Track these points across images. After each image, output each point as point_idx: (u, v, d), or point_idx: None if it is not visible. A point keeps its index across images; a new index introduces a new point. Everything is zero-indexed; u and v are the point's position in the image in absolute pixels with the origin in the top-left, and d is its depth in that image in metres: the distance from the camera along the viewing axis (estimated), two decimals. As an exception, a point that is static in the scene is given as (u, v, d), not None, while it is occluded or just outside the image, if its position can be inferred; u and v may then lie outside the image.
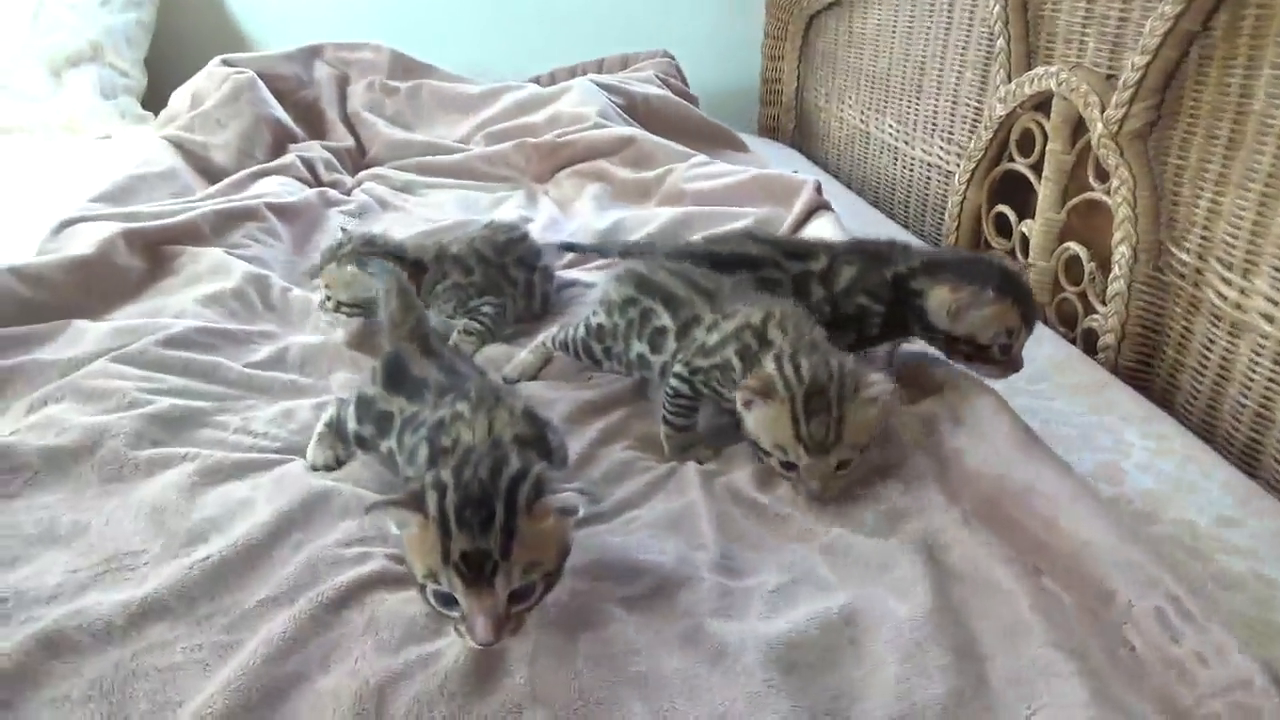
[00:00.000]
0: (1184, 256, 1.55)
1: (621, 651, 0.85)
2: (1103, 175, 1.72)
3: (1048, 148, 1.88)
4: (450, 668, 0.81)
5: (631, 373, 1.34)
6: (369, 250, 1.49)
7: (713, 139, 2.67)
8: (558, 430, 1.07)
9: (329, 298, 1.51)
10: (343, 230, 1.59)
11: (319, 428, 1.22)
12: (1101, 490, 1.17)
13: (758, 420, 1.09)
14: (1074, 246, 1.83)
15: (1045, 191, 1.90)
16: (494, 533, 0.78)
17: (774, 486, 1.12)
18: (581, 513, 0.85)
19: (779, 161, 2.67)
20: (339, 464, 1.18)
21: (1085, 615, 0.89)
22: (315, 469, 1.17)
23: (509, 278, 1.60)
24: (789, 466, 1.09)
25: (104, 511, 1.05)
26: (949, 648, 0.85)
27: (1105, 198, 1.71)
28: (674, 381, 1.20)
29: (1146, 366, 1.68)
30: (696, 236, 1.65)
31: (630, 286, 1.30)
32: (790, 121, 3.31)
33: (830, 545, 1.00)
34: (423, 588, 0.82)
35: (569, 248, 1.75)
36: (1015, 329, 1.24)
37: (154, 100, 2.85)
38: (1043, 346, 1.65)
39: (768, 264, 1.37)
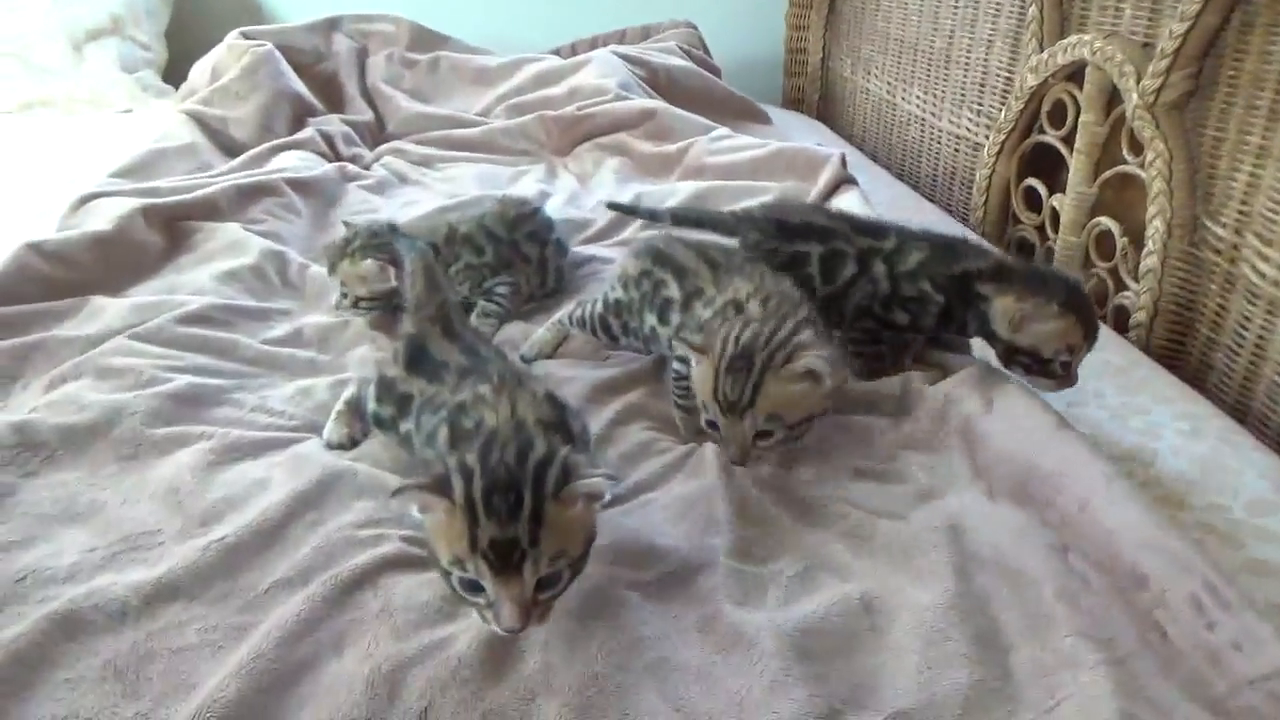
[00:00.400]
0: (1220, 232, 1.50)
1: (636, 638, 0.83)
2: (1137, 148, 1.66)
3: (1080, 119, 1.82)
4: (464, 653, 0.80)
5: (648, 348, 1.32)
6: (377, 242, 1.46)
7: (736, 111, 2.63)
8: (579, 414, 1.05)
9: (345, 294, 1.47)
10: (345, 224, 1.56)
11: (339, 405, 1.21)
12: (1134, 473, 1.15)
13: (695, 376, 1.09)
14: (1105, 221, 1.78)
15: (1077, 165, 1.85)
16: (522, 520, 0.77)
17: (796, 469, 1.10)
18: (608, 497, 0.83)
19: (803, 134, 2.63)
20: (355, 443, 1.18)
21: (1115, 599, 0.86)
22: (331, 447, 1.16)
23: (521, 254, 1.58)
24: (713, 425, 1.09)
25: (121, 490, 1.05)
26: (971, 636, 0.83)
27: (1139, 171, 1.66)
28: (675, 363, 1.19)
29: (1179, 345, 1.63)
30: (756, 202, 1.62)
31: (647, 259, 1.29)
32: (815, 93, 3.25)
33: (852, 530, 0.98)
34: (447, 574, 0.80)
35: (617, 208, 1.73)
36: (1077, 345, 1.21)
37: (175, 73, 2.84)
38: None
39: (838, 236, 1.35)
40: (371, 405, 1.13)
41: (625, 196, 2.01)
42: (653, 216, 1.61)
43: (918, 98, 2.54)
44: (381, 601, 0.88)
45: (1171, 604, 0.82)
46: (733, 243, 1.39)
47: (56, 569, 0.92)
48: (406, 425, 1.07)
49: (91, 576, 0.92)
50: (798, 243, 1.35)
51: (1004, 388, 1.16)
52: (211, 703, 0.76)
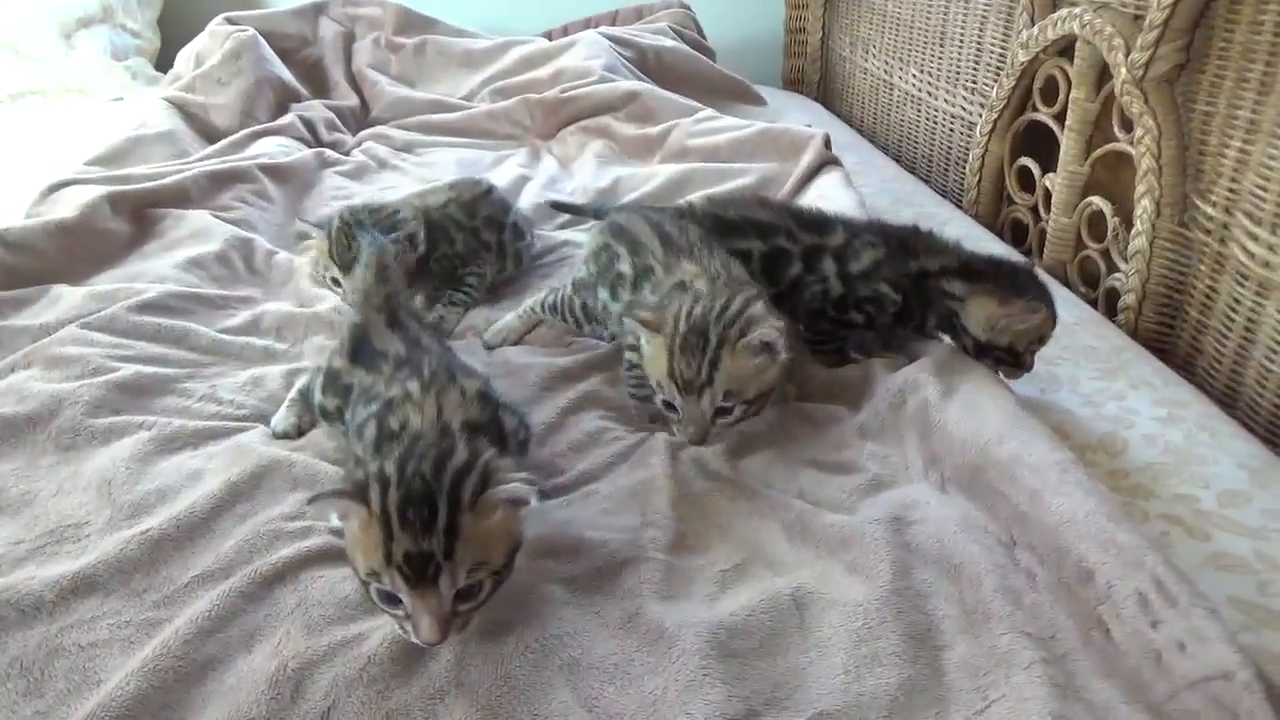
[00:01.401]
0: (1209, 210, 1.44)
1: (555, 635, 0.80)
2: (1128, 124, 1.61)
3: (1071, 96, 1.76)
4: (374, 651, 0.78)
5: (609, 329, 1.29)
6: (380, 220, 1.43)
7: (728, 93, 2.59)
8: (517, 411, 1.02)
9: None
10: (366, 232, 1.45)
11: (291, 393, 1.19)
12: (1100, 462, 1.10)
13: (647, 355, 1.07)
14: (1097, 201, 1.72)
15: (1068, 142, 1.79)
16: (436, 533, 0.74)
17: (744, 458, 1.06)
18: (533, 503, 0.80)
19: (800, 115, 2.58)
20: (302, 432, 1.16)
21: (1060, 595, 0.82)
22: (277, 436, 1.14)
23: (482, 242, 1.55)
24: (669, 406, 1.06)
25: (55, 481, 1.03)
26: (903, 634, 0.79)
27: (1130, 148, 1.60)
28: (628, 353, 1.16)
29: (1168, 329, 1.58)
30: (698, 195, 1.59)
31: (606, 234, 1.26)
32: (815, 73, 3.19)
33: (793, 522, 0.94)
34: (365, 584, 0.78)
35: (559, 206, 1.70)
36: (1048, 334, 1.20)
37: (168, 61, 2.81)
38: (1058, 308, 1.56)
39: (779, 232, 1.30)
40: (317, 396, 1.11)
41: (606, 180, 1.98)
42: (597, 216, 1.60)
43: (914, 76, 2.48)
44: (298, 596, 0.85)
45: (1117, 600, 0.78)
46: None
47: (-21, 562, 0.91)
48: (349, 416, 1.04)
49: (11, 570, 0.90)
50: (736, 240, 1.28)
51: (967, 374, 1.12)
52: (110, 701, 0.74)
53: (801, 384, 1.23)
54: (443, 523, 0.74)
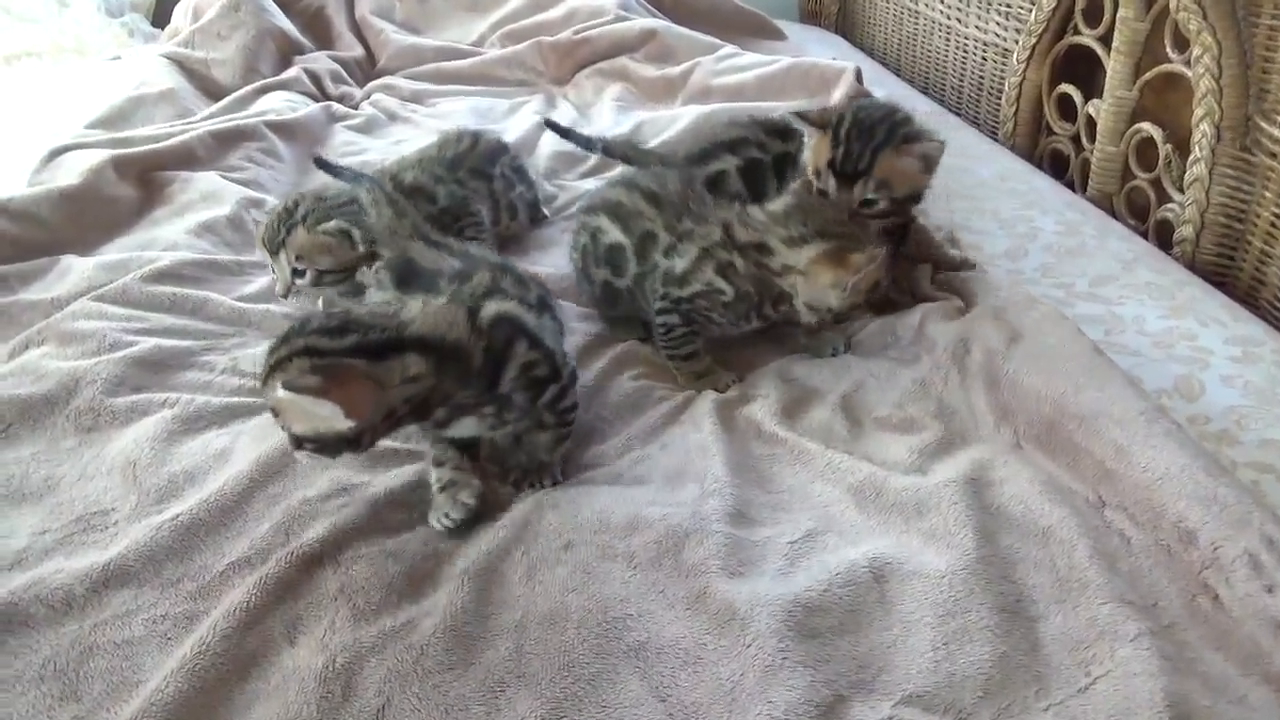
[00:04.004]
0: (1276, 132, 1.36)
1: (619, 617, 0.75)
2: (1182, 44, 1.51)
3: (1119, 15, 1.66)
4: (427, 641, 0.73)
5: (613, 308, 1.23)
6: (330, 204, 1.26)
7: (747, 28, 2.47)
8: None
9: (300, 273, 1.23)
10: (279, 204, 1.34)
11: None
12: (1177, 408, 1.03)
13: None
14: (1147, 127, 1.63)
15: (1115, 66, 1.69)
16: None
17: (799, 418, 1.00)
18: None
19: (819, 49, 2.46)
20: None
21: (1159, 559, 0.77)
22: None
23: (469, 188, 1.44)
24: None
25: (78, 466, 0.98)
26: (994, 606, 0.73)
27: (1185, 69, 1.50)
28: (661, 317, 1.11)
29: (1229, 261, 1.50)
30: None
31: (579, 212, 1.23)
32: (834, 3, 3.06)
33: (861, 486, 0.88)
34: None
35: (553, 126, 1.64)
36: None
37: (165, 17, 2.72)
38: (1108, 241, 1.48)
39: (750, 144, 1.30)
40: None
41: (626, 125, 1.89)
42: (587, 145, 1.59)
43: (942, 3, 2.36)
44: (340, 580, 0.80)
45: (1224, 563, 0.72)
46: None
47: (4, 555, 0.86)
48: None
49: (39, 562, 0.85)
50: (711, 163, 1.28)
51: (1032, 315, 1.05)
52: (150, 706, 0.69)
53: (853, 335, 1.17)
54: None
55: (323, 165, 1.51)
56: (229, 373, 1.15)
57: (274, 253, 1.23)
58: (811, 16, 3.13)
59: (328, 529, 0.85)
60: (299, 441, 0.84)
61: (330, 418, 0.76)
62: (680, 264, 1.08)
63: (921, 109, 2.14)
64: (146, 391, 1.09)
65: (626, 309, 1.18)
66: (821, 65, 1.88)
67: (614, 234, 1.15)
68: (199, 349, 1.19)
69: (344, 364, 0.78)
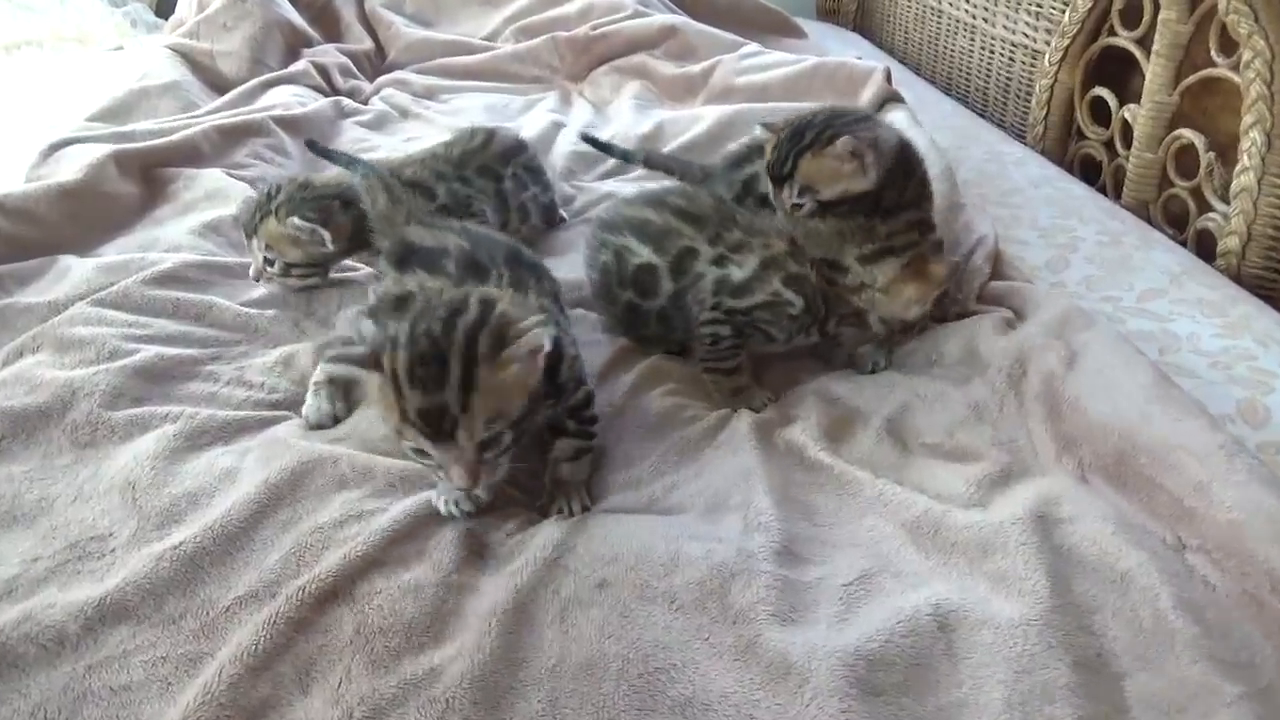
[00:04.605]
0: (1334, 142, 1.30)
1: (661, 667, 0.69)
2: (1228, 47, 1.45)
3: (1160, 17, 1.60)
4: (452, 693, 0.67)
5: (635, 328, 1.17)
6: (305, 196, 1.25)
7: (767, 25, 2.41)
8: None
9: (270, 262, 1.24)
10: (258, 185, 1.33)
11: (316, 375, 1.07)
12: (1242, 435, 0.97)
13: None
14: (1187, 134, 1.57)
15: (1155, 70, 1.63)
16: (450, 389, 0.76)
17: (844, 442, 0.94)
18: (548, 347, 0.80)
19: (839, 48, 2.40)
20: (338, 420, 1.04)
21: (1248, 609, 0.70)
22: (311, 427, 1.02)
23: (476, 188, 1.38)
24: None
25: (74, 485, 0.92)
26: (1073, 661, 0.67)
27: (1231, 74, 1.44)
28: (708, 328, 1.06)
29: (1276, 274, 1.44)
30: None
31: (597, 229, 1.17)
32: (852, 1, 3.00)
33: (917, 521, 0.82)
34: (398, 432, 0.79)
35: (589, 140, 1.59)
36: None
37: (168, 6, 2.66)
38: (1152, 253, 1.42)
39: None
40: (372, 330, 0.99)
41: (645, 125, 1.82)
42: (626, 158, 1.58)
43: (967, 2, 2.30)
44: (356, 620, 0.74)
45: (1324, 616, 0.66)
46: None
47: (-7, 584, 0.80)
48: None
49: (31, 593, 0.79)
50: (745, 168, 1.24)
51: (1089, 334, 0.99)
52: (149, 764, 0.63)
53: (894, 351, 1.10)
54: (456, 379, 0.76)
55: (316, 149, 1.48)
56: (234, 384, 1.09)
57: (248, 236, 1.26)
58: (828, 14, 3.06)
59: (342, 561, 0.79)
60: (287, 269, 1.20)
61: None
62: (739, 274, 1.04)
63: (946, 111, 2.08)
64: (147, 404, 1.03)
65: (653, 331, 1.13)
66: (849, 65, 1.82)
67: (644, 254, 1.09)
68: (203, 358, 1.13)
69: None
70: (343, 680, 0.69)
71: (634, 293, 1.10)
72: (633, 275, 1.10)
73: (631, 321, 1.14)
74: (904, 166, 1.17)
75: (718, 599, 0.74)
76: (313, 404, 1.04)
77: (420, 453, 0.79)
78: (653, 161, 1.53)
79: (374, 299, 1.00)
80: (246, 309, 1.23)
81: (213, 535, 0.83)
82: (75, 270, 1.27)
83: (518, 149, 1.47)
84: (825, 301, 1.04)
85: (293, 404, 1.07)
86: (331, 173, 1.42)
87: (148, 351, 1.10)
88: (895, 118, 1.66)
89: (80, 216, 1.41)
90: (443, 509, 0.86)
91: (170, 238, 1.38)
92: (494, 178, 1.41)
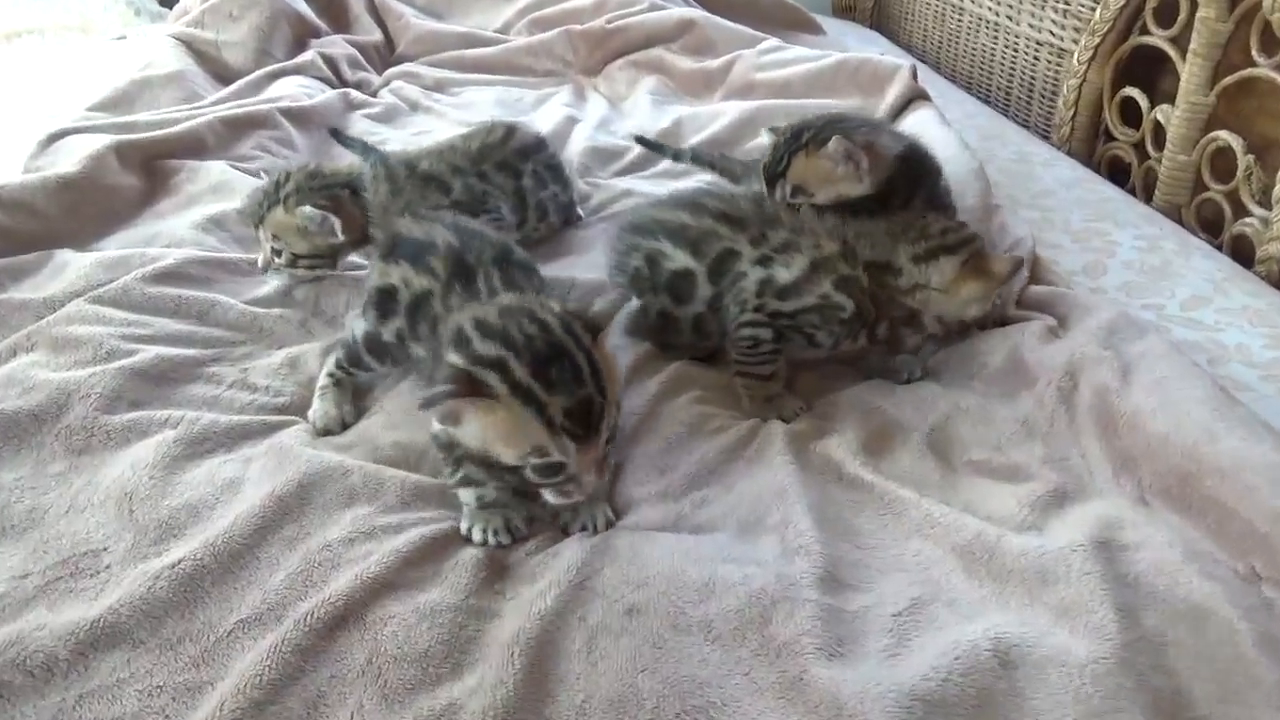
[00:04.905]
0: (1386, 146, 1.24)
1: (699, 705, 0.64)
2: (1270, 46, 1.39)
3: (1198, 15, 1.54)
4: (475, 732, 0.61)
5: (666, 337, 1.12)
6: (316, 185, 1.21)
7: (784, 21, 2.36)
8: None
9: (278, 252, 1.21)
10: (264, 174, 1.28)
11: (322, 379, 1.03)
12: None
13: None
14: (1224, 136, 1.52)
15: (1192, 69, 1.57)
16: (587, 380, 0.74)
17: (884, 457, 0.88)
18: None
19: (858, 46, 2.35)
20: (346, 425, 0.99)
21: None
22: (318, 433, 0.97)
23: (493, 183, 1.33)
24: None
25: (67, 495, 0.87)
26: (1149, 706, 0.62)
27: (1274, 74, 1.39)
28: (748, 330, 1.01)
29: (1319, 282, 1.38)
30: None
31: (625, 232, 1.11)
32: (869, -1, 2.95)
33: (968, 545, 0.76)
34: (515, 469, 0.75)
35: (644, 143, 1.58)
36: None
37: (174, -4, 2.62)
38: (1192, 259, 1.37)
39: None
40: (364, 329, 0.97)
41: (664, 120, 1.77)
42: (675, 157, 1.56)
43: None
44: (368, 648, 0.69)
45: None
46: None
47: (-22, 603, 0.75)
48: (394, 325, 0.93)
49: (19, 614, 0.74)
50: None
51: (1142, 344, 0.93)
52: (142, 809, 0.58)
53: (929, 359, 1.05)
54: (587, 367, 0.74)
55: (337, 136, 1.46)
56: (238, 386, 1.04)
57: (255, 226, 1.22)
58: (845, 11, 3.01)
59: (352, 582, 0.73)
60: (295, 260, 1.18)
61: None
62: (786, 275, 0.99)
63: (969, 110, 2.03)
64: (146, 408, 0.98)
65: (685, 339, 1.07)
66: (874, 62, 1.77)
67: (680, 259, 1.04)
68: (205, 359, 1.07)
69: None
70: (354, 715, 0.64)
71: (668, 299, 1.05)
72: (667, 281, 1.05)
73: (663, 329, 1.08)
74: (910, 173, 1.15)
75: (758, 630, 0.69)
76: (319, 408, 0.99)
77: (551, 471, 0.75)
78: (699, 158, 1.54)
79: (367, 287, 0.98)
80: (251, 308, 1.18)
81: (214, 552, 0.77)
82: (73, 265, 1.22)
83: (537, 146, 1.42)
84: (875, 304, 0.99)
85: (299, 408, 1.02)
86: (341, 161, 1.37)
87: (147, 352, 1.05)
88: (922, 116, 1.61)
89: (79, 209, 1.36)
90: (477, 536, 0.81)
91: (172, 232, 1.33)
92: (513, 174, 1.36)
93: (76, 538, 0.81)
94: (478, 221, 1.02)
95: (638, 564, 0.75)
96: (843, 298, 0.98)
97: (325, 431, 0.98)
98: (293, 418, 1.00)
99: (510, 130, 1.41)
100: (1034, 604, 0.70)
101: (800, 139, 1.11)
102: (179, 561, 0.76)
